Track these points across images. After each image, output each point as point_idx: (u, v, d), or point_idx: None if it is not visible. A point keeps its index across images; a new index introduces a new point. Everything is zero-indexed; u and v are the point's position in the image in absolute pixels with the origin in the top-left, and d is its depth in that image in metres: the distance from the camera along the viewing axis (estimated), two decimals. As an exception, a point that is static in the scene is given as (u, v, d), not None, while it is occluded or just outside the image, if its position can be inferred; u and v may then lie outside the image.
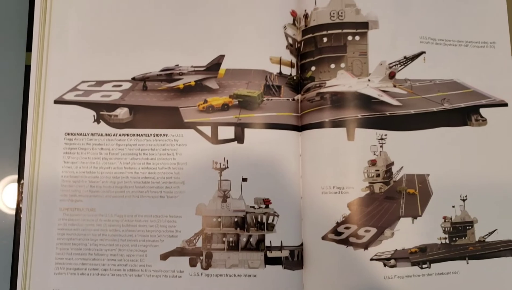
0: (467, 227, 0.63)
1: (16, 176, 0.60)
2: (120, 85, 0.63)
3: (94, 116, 0.62)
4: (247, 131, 0.61)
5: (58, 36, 0.63)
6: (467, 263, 0.62)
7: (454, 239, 0.62)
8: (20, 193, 0.59)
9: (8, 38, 0.65)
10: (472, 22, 0.67)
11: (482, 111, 0.65)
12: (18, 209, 0.59)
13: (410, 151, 0.62)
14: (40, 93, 0.62)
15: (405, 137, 0.62)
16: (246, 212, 0.60)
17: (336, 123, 0.61)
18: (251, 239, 0.60)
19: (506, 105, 0.65)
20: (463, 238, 0.62)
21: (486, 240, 0.63)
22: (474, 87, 0.66)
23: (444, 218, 0.62)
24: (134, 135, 0.61)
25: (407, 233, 0.61)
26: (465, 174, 0.63)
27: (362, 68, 0.63)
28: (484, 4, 0.68)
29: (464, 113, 0.65)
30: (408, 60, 0.64)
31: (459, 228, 0.62)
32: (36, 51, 0.62)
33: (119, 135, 0.61)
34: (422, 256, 0.61)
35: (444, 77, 0.65)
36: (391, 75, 0.63)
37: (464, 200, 0.63)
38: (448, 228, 0.62)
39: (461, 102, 0.65)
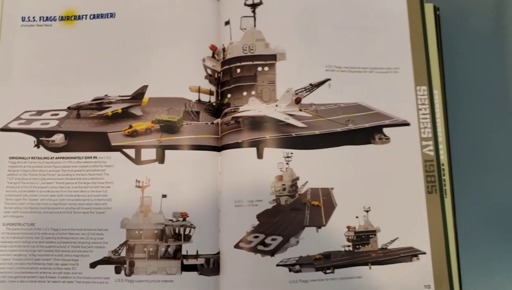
0: (370, 236, 0.68)
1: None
2: (57, 114, 0.71)
3: (34, 141, 0.69)
4: (168, 152, 0.68)
5: (4, 71, 0.71)
6: (370, 268, 0.67)
7: (357, 246, 0.68)
8: (-33, 211, 0.67)
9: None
10: (377, 50, 0.73)
11: (386, 130, 0.71)
12: (-34, 225, 0.67)
13: (315, 167, 0.69)
14: (-13, 123, 0.70)
15: (310, 155, 0.69)
16: (165, 225, 0.67)
17: (249, 144, 0.68)
18: (169, 249, 0.67)
19: (408, 124, 0.71)
20: (366, 245, 0.68)
21: (388, 247, 0.68)
22: (378, 109, 0.72)
23: (348, 227, 0.68)
24: (68, 158, 0.69)
25: (312, 241, 0.67)
26: (369, 188, 0.69)
27: (270, 95, 0.71)
28: (388, 32, 0.73)
29: (368, 132, 0.70)
30: (314, 86, 0.71)
31: (362, 237, 0.68)
32: (-16, 85, 0.71)
33: (56, 158, 0.69)
34: (326, 262, 0.66)
35: (349, 100, 0.72)
36: (297, 101, 0.70)
37: (367, 211, 0.69)
38: (352, 237, 0.68)
39: (365, 123, 0.71)
